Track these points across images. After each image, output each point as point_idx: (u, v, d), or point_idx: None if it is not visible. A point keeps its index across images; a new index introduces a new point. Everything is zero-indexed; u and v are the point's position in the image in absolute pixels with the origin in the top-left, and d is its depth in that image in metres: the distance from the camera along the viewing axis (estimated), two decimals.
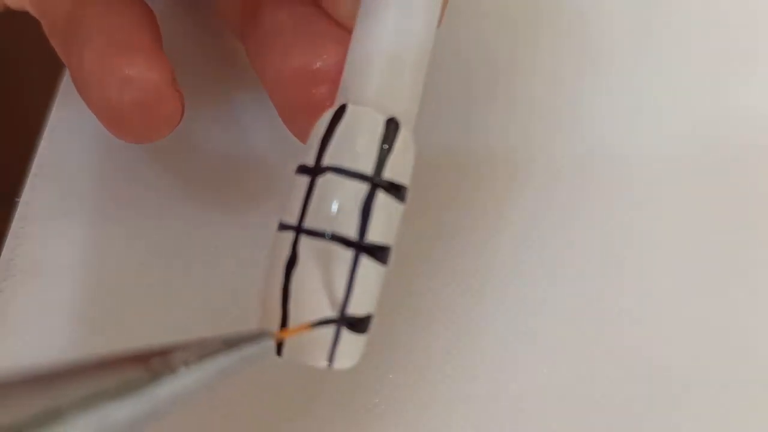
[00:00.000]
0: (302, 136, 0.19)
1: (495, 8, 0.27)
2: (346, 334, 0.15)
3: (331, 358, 0.15)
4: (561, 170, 0.25)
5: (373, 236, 0.15)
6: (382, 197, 0.15)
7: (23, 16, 0.24)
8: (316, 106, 0.18)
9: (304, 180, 0.15)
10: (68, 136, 0.26)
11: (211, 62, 0.27)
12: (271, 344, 0.14)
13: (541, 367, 0.22)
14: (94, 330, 0.23)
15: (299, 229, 0.15)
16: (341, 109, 0.15)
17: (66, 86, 0.26)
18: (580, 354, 0.22)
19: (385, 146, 0.15)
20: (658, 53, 0.27)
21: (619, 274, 0.23)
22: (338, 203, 0.15)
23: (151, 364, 0.12)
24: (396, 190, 0.15)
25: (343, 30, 0.19)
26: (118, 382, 0.11)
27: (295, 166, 0.16)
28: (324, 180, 0.15)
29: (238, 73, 0.26)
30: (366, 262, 0.15)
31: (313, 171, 0.15)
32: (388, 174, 0.15)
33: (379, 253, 0.15)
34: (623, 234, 0.24)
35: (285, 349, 0.15)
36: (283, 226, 0.15)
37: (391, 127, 0.15)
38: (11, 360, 0.23)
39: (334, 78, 0.18)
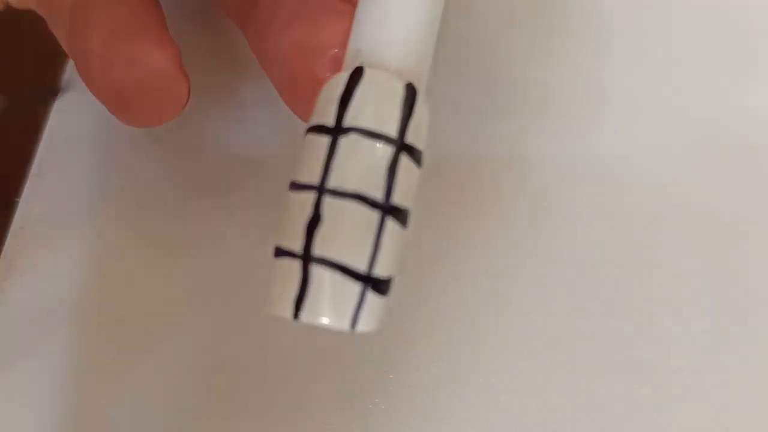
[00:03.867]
0: (304, 113, 0.19)
1: (493, 7, 0.28)
2: (371, 296, 0.14)
3: (354, 320, 0.14)
4: (561, 171, 0.25)
5: (397, 198, 0.15)
6: (405, 160, 0.15)
7: (24, 15, 0.24)
8: (318, 81, 0.18)
9: (323, 140, 0.15)
10: (68, 136, 0.26)
11: (213, 57, 0.27)
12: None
13: (542, 367, 0.22)
14: (94, 328, 0.23)
15: (322, 189, 0.14)
16: (358, 71, 0.15)
17: (66, 86, 0.26)
18: (581, 354, 0.22)
19: (406, 110, 0.15)
20: (659, 54, 0.27)
21: (619, 274, 0.23)
22: (365, 164, 0.14)
23: None
24: (415, 154, 0.15)
25: (344, 3, 0.19)
26: None
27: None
28: (348, 140, 0.15)
29: (242, 67, 0.26)
30: (391, 224, 0.14)
31: (335, 131, 0.15)
32: (410, 138, 0.15)
33: (401, 215, 0.15)
34: (623, 233, 0.24)
35: (305, 312, 0.14)
36: (299, 186, 0.15)
37: (409, 91, 0.15)
38: (12, 360, 0.22)
39: (336, 51, 0.18)
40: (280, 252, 0.15)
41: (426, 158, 0.16)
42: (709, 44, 0.27)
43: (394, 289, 0.15)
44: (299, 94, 0.19)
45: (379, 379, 0.22)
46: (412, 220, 0.15)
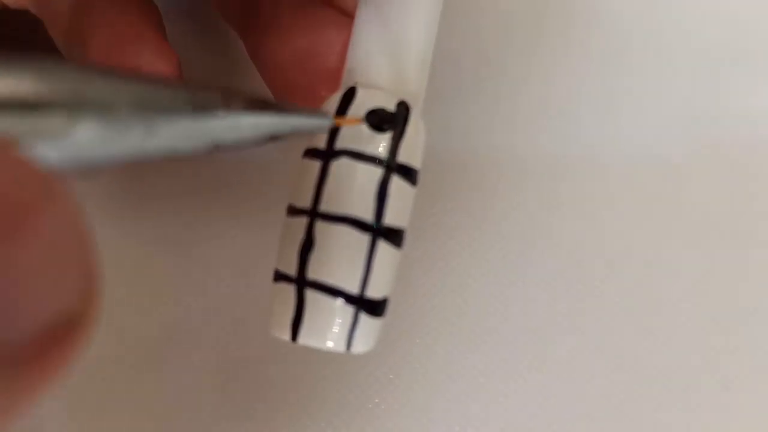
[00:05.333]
0: None
1: (492, 9, 0.27)
2: (364, 318, 0.14)
3: (349, 342, 0.14)
4: (560, 171, 0.25)
5: (389, 219, 0.15)
6: (396, 180, 0.15)
7: (22, 15, 0.24)
8: (316, 90, 0.18)
9: (315, 164, 0.15)
10: None
11: (211, 63, 0.27)
12: (326, 123, 0.14)
13: (542, 366, 0.22)
14: (94, 330, 0.23)
15: (314, 213, 0.15)
16: (351, 92, 0.15)
17: None
18: (581, 352, 0.22)
19: (398, 129, 0.15)
20: (658, 54, 0.27)
21: (618, 273, 0.23)
22: (355, 187, 0.15)
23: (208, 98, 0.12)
24: (409, 173, 0.15)
25: (342, 14, 0.19)
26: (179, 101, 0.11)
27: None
28: (338, 164, 0.15)
29: (240, 72, 0.26)
30: (383, 245, 0.15)
31: (326, 154, 0.15)
32: (402, 158, 0.15)
33: (394, 236, 0.15)
34: (623, 232, 0.24)
35: (302, 335, 0.15)
36: (295, 211, 0.15)
37: (402, 110, 0.15)
38: None
39: (334, 61, 0.18)
40: (278, 276, 0.15)
41: (426, 159, 0.16)
42: (710, 44, 0.27)
43: (390, 306, 0.15)
44: (297, 104, 0.19)
45: (379, 379, 0.22)
46: (411, 221, 0.15)
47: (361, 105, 0.15)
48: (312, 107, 0.15)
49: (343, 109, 0.15)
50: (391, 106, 0.15)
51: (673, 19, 0.27)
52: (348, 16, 0.18)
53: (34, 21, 0.22)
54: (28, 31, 0.23)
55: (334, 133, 0.15)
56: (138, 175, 0.25)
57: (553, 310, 0.23)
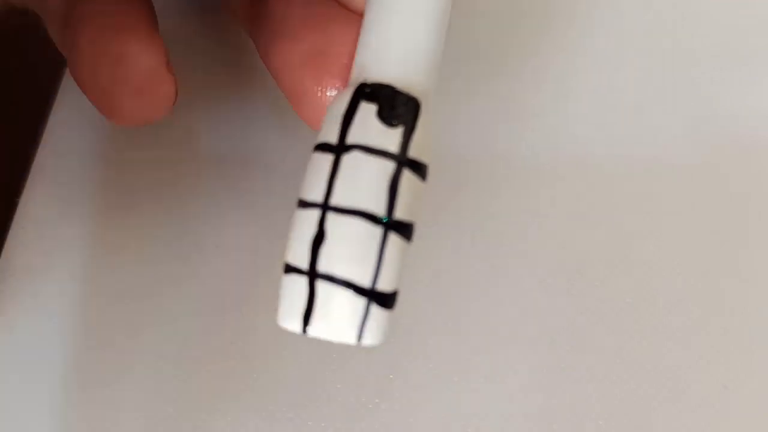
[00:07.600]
0: (313, 120, 0.19)
1: (491, 7, 0.27)
2: (376, 310, 0.15)
3: (360, 334, 0.15)
4: (559, 170, 0.25)
5: (401, 213, 0.15)
6: (407, 175, 0.15)
7: (23, 13, 0.24)
8: (326, 89, 0.18)
9: (327, 157, 0.15)
10: (69, 137, 0.26)
11: (216, 60, 0.27)
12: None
13: (541, 367, 0.22)
14: (93, 329, 0.23)
15: (326, 206, 0.15)
16: (362, 87, 0.15)
17: (66, 86, 0.26)
18: (580, 353, 0.22)
19: (409, 125, 0.15)
20: (658, 53, 0.27)
21: (617, 273, 0.23)
22: (367, 181, 0.15)
23: None
24: (419, 168, 0.15)
25: (351, 12, 0.19)
26: None
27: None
28: (350, 157, 0.15)
29: (243, 72, 0.26)
30: (394, 239, 0.15)
31: (338, 148, 0.15)
32: (413, 152, 0.15)
33: (405, 229, 0.15)
34: (622, 232, 0.24)
35: (312, 326, 0.15)
36: (305, 204, 0.15)
37: (412, 105, 0.15)
38: (10, 360, 0.22)
39: (344, 60, 0.18)
40: (288, 268, 0.15)
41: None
42: (709, 44, 0.27)
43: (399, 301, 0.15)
44: (308, 103, 0.19)
45: (379, 379, 0.22)
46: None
47: (370, 102, 0.15)
48: None
49: (353, 106, 0.15)
50: (402, 102, 0.15)
51: (673, 19, 0.27)
52: (357, 13, 0.19)
53: (36, 19, 0.22)
54: (30, 29, 0.23)
55: (345, 127, 0.15)
56: (137, 177, 0.25)
57: (552, 309, 0.23)
